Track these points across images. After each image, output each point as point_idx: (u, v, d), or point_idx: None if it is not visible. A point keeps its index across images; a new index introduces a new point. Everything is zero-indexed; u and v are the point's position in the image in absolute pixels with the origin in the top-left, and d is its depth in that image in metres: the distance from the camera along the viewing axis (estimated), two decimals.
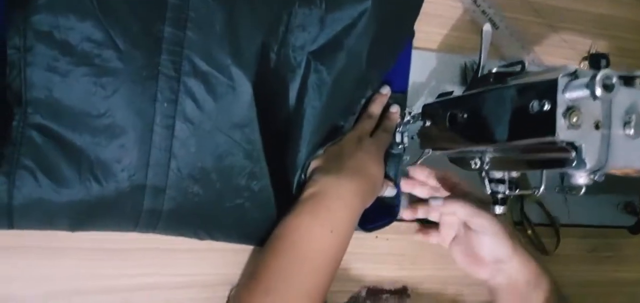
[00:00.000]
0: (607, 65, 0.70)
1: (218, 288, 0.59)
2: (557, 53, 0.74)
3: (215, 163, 0.52)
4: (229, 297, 0.59)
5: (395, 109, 0.65)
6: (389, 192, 0.63)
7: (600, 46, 0.75)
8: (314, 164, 0.58)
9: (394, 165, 0.65)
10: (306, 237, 0.51)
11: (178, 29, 0.49)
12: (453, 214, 0.62)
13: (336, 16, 0.57)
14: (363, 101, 0.62)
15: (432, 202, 0.65)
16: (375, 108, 0.63)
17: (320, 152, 0.58)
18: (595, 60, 0.72)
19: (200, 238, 0.55)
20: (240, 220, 0.55)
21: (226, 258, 0.59)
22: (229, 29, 0.50)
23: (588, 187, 0.44)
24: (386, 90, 0.64)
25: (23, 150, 0.45)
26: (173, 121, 0.49)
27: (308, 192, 0.54)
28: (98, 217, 0.50)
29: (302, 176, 0.57)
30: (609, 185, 0.67)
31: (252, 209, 0.55)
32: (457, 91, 0.56)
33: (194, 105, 0.50)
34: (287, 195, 0.57)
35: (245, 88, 0.51)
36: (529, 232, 0.72)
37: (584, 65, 0.73)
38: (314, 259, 0.51)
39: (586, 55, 0.74)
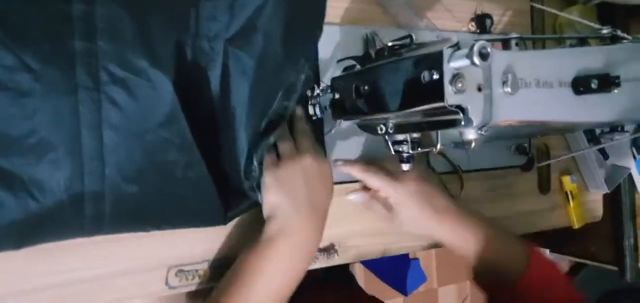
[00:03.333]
0: (492, 24, 0.78)
1: (151, 273, 0.61)
2: (447, 17, 0.80)
3: (149, 162, 0.53)
4: None
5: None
6: None
7: (485, 7, 0.82)
8: (269, 181, 0.58)
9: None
10: (264, 277, 0.56)
11: (89, 42, 0.49)
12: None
13: (244, 1, 0.58)
14: (302, 77, 0.64)
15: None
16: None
17: (271, 140, 0.59)
18: (481, 21, 0.79)
19: (148, 230, 0.57)
20: (182, 209, 0.57)
21: (156, 242, 0.61)
22: (140, 33, 0.51)
23: (483, 136, 0.51)
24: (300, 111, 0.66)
25: None
26: (100, 130, 0.50)
27: (268, 233, 0.58)
28: (42, 231, 0.50)
29: (255, 164, 0.58)
30: (502, 132, 0.75)
31: (192, 197, 0.57)
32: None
33: (117, 111, 0.51)
34: (224, 176, 0.60)
35: (165, 86, 0.52)
36: None
37: (472, 25, 0.80)
38: (269, 295, 0.56)
39: (473, 16, 0.81)
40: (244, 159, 0.59)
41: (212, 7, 0.58)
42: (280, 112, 0.60)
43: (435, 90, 0.45)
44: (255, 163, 0.58)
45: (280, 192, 0.58)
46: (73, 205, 0.50)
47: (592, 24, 0.73)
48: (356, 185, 0.73)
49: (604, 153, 0.93)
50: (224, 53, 0.59)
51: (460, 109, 0.46)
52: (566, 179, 0.91)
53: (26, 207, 0.48)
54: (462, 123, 0.47)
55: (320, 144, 0.69)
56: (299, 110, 0.67)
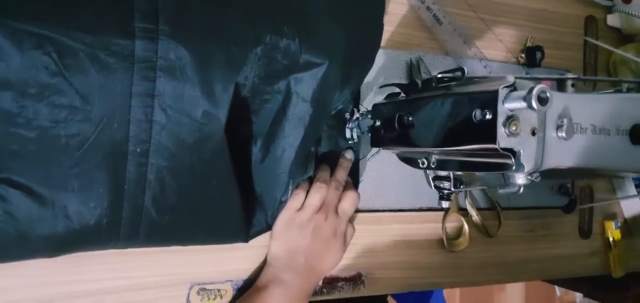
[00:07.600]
0: (542, 57, 0.75)
1: (172, 289, 0.60)
2: (497, 46, 0.77)
3: (186, 195, 0.52)
4: None
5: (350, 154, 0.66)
6: None
7: (537, 39, 0.79)
8: (279, 227, 0.60)
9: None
10: None
11: (147, 81, 0.47)
12: None
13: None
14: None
15: None
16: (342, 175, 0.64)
17: (310, 173, 0.61)
18: (532, 53, 0.77)
19: (174, 246, 0.57)
20: (210, 229, 0.57)
21: (179, 258, 0.60)
22: (202, 76, 0.49)
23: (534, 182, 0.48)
24: (350, 156, 0.66)
25: None
26: (146, 167, 0.49)
27: (262, 281, 0.60)
28: (78, 245, 0.50)
29: (287, 196, 0.60)
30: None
31: (221, 219, 0.56)
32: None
33: (166, 150, 0.49)
34: (252, 196, 0.59)
35: (218, 127, 0.50)
36: (474, 217, 0.76)
37: (521, 57, 0.77)
38: None
39: (523, 48, 0.78)
40: (281, 194, 0.59)
41: (272, 47, 0.53)
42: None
43: (487, 131, 0.43)
44: (288, 194, 0.59)
45: (283, 243, 0.60)
46: (110, 229, 0.49)
47: None
48: (389, 214, 0.70)
49: None
50: (286, 93, 0.55)
51: (512, 152, 0.43)
52: (610, 225, 0.87)
53: (66, 226, 0.47)
54: (513, 168, 0.44)
55: (354, 170, 0.67)
56: (350, 155, 0.66)
